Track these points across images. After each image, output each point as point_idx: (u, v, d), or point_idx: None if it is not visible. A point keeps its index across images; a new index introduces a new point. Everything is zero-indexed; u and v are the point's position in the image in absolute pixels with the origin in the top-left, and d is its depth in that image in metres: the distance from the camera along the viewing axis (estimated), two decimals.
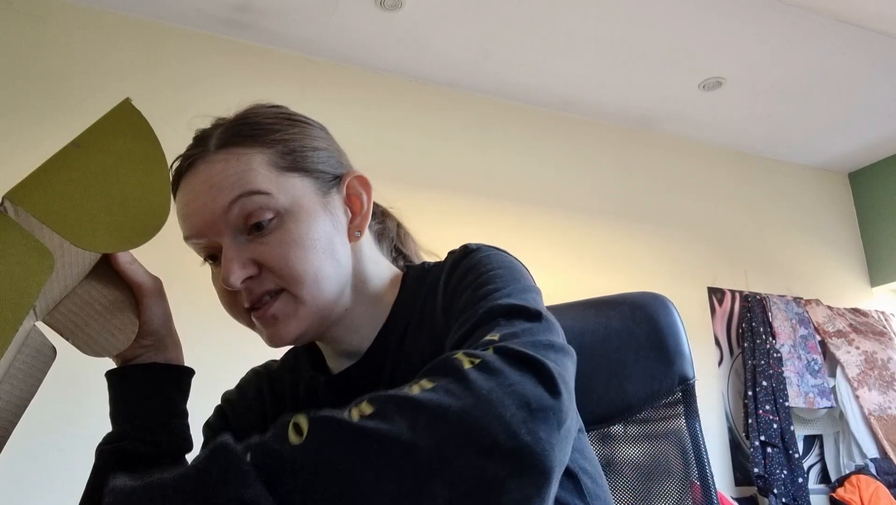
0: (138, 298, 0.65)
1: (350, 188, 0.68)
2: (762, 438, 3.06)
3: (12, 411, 0.56)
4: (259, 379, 0.79)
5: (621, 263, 3.11)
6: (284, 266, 0.60)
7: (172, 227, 0.65)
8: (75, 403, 2.10)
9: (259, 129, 0.64)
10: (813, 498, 3.14)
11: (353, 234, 0.67)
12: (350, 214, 0.68)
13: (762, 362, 3.23)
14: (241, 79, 2.68)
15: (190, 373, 0.72)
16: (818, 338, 3.47)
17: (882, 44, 2.86)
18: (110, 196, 0.59)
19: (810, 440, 3.36)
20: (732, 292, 3.43)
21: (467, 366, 0.43)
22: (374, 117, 2.89)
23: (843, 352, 3.47)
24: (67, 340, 0.61)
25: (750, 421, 3.11)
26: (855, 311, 3.69)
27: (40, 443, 2.03)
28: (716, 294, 3.39)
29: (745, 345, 3.30)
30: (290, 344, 0.65)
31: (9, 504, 1.95)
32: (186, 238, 0.65)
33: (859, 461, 3.27)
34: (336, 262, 0.63)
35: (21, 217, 0.51)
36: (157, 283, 0.67)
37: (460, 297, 0.60)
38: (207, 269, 0.68)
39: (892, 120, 3.50)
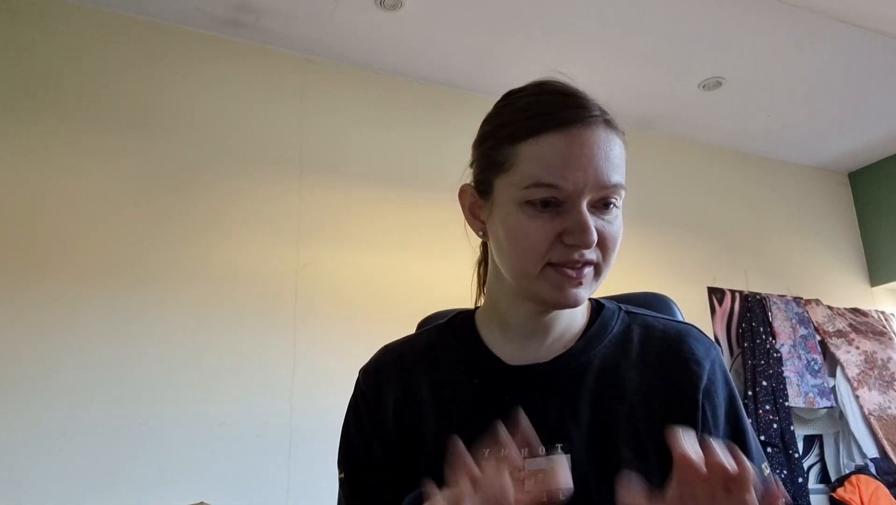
0: None
1: None
2: (762, 437, 3.06)
3: None
4: (399, 356, 0.83)
5: (621, 263, 3.09)
6: (612, 247, 0.71)
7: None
8: (75, 404, 2.10)
9: (622, 130, 0.73)
10: (813, 498, 3.15)
11: None
12: None
13: (762, 362, 3.23)
14: (241, 79, 2.68)
15: None
16: (818, 338, 3.48)
17: (882, 44, 2.86)
18: None
19: (810, 440, 3.36)
20: (732, 292, 3.43)
21: None
22: (374, 117, 2.89)
23: (843, 352, 3.47)
24: None
25: (750, 421, 3.10)
26: (855, 311, 3.69)
27: (40, 443, 2.03)
28: (716, 294, 3.39)
29: (745, 345, 3.30)
30: (578, 305, 0.71)
31: (9, 504, 1.95)
32: (543, 183, 0.67)
33: (859, 461, 3.27)
34: None
35: None
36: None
37: (720, 412, 0.73)
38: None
39: (892, 120, 3.50)
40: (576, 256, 0.68)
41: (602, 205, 0.69)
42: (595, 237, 0.67)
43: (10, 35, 2.34)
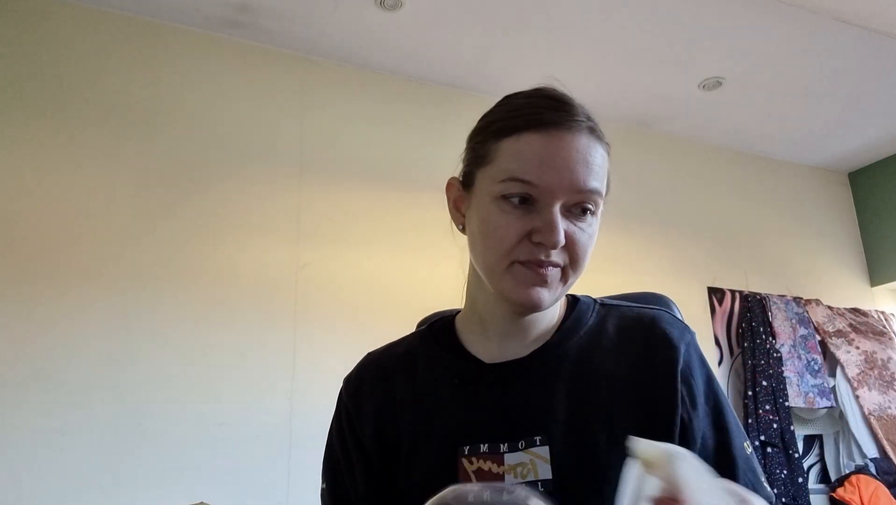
0: None
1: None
2: (762, 437, 3.07)
3: None
4: (379, 363, 0.84)
5: (621, 263, 3.11)
6: (581, 254, 0.71)
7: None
8: (75, 403, 2.10)
9: (607, 142, 0.74)
10: (813, 498, 3.14)
11: None
12: None
13: (762, 362, 3.23)
14: (241, 79, 2.68)
15: None
16: (818, 338, 3.48)
17: (882, 44, 2.86)
18: None
19: (810, 440, 3.36)
20: (732, 292, 3.43)
21: None
22: (373, 117, 2.89)
23: (843, 352, 3.47)
24: None
25: (750, 421, 3.11)
26: (855, 311, 3.69)
27: (40, 442, 2.03)
28: (716, 294, 3.39)
29: (745, 345, 3.30)
30: (540, 307, 0.71)
31: (9, 504, 1.95)
32: (517, 178, 0.68)
33: (859, 461, 3.27)
34: None
35: None
36: None
37: (697, 401, 0.72)
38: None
39: (892, 120, 3.50)
40: (541, 255, 0.69)
41: (579, 210, 0.70)
42: (562, 238, 0.68)
43: (9, 34, 2.34)
